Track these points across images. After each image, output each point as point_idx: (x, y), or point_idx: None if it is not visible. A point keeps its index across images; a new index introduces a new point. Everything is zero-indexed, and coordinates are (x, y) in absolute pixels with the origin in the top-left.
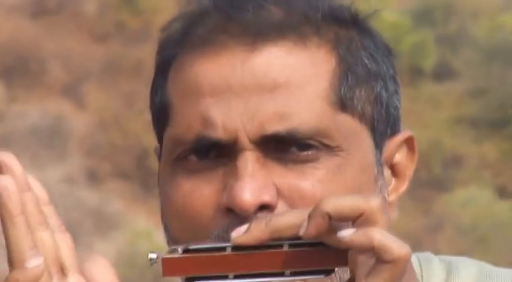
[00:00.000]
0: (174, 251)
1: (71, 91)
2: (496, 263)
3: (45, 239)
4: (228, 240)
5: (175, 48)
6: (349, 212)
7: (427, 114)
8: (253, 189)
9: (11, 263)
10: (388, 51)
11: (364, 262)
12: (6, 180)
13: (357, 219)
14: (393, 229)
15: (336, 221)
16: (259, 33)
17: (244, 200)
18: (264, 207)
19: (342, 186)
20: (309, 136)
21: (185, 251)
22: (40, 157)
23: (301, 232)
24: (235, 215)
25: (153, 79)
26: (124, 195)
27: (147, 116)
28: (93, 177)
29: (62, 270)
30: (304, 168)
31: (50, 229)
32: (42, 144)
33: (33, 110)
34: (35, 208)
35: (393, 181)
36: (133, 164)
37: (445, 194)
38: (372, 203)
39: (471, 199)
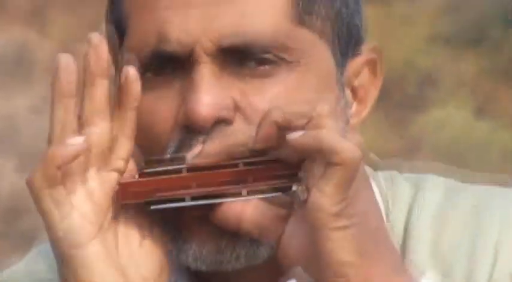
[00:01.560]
0: (130, 177)
1: (35, 18)
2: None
3: (99, 131)
4: (184, 156)
5: None
6: (297, 118)
7: (400, 32)
8: (209, 102)
9: (50, 141)
10: None
11: (316, 170)
12: (67, 59)
13: (305, 126)
14: (368, 152)
15: (284, 129)
16: None
17: (200, 113)
18: (221, 122)
19: (301, 101)
20: (266, 49)
21: (141, 175)
22: (6, 86)
23: (251, 143)
24: (192, 129)
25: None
26: None
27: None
28: None
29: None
30: (262, 82)
31: (109, 122)
32: (8, 73)
33: None
34: (101, 97)
35: (355, 104)
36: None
37: (421, 114)
38: (319, 109)
39: (448, 119)
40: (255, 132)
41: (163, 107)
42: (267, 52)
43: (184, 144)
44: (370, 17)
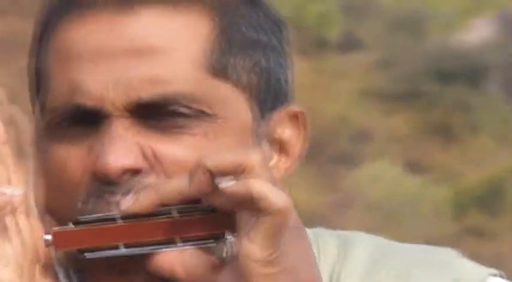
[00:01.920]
0: (66, 225)
1: None
2: (406, 240)
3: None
4: (92, 208)
5: (51, 15)
6: (229, 166)
7: (334, 87)
8: (116, 153)
9: None
10: (274, 23)
11: (247, 218)
12: None
13: (238, 174)
14: (301, 206)
15: (217, 177)
16: None
17: (106, 164)
18: (131, 172)
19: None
20: (180, 102)
21: (76, 223)
22: None
23: (184, 191)
24: (101, 180)
25: (31, 49)
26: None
27: None
28: None
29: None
30: (176, 135)
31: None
32: None
33: None
34: None
35: (276, 157)
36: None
37: (354, 169)
38: (252, 157)
39: (380, 175)
40: (188, 180)
41: (76, 157)
42: (181, 104)
43: (94, 194)
44: (303, 70)
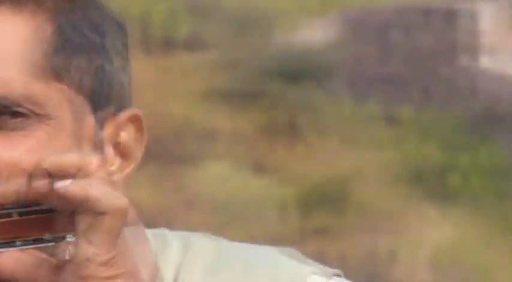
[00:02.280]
0: None
1: None
2: (252, 241)
3: None
4: None
5: None
6: (67, 168)
7: (179, 86)
8: None
9: None
10: (117, 27)
11: (86, 221)
12: None
13: (76, 176)
14: (146, 205)
15: (55, 179)
16: None
17: None
18: None
19: (55, 154)
20: (16, 103)
21: None
22: None
23: (23, 193)
24: None
25: None
26: None
27: None
28: None
29: None
30: (12, 136)
31: None
32: None
33: None
34: None
35: (118, 161)
36: None
37: (198, 170)
38: (90, 160)
39: (225, 175)
40: (26, 182)
41: None
42: (18, 105)
43: None
44: (149, 70)
